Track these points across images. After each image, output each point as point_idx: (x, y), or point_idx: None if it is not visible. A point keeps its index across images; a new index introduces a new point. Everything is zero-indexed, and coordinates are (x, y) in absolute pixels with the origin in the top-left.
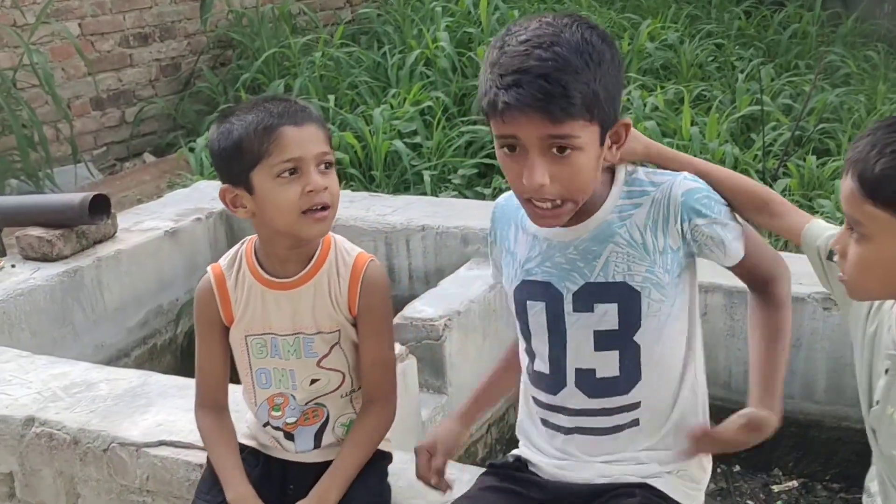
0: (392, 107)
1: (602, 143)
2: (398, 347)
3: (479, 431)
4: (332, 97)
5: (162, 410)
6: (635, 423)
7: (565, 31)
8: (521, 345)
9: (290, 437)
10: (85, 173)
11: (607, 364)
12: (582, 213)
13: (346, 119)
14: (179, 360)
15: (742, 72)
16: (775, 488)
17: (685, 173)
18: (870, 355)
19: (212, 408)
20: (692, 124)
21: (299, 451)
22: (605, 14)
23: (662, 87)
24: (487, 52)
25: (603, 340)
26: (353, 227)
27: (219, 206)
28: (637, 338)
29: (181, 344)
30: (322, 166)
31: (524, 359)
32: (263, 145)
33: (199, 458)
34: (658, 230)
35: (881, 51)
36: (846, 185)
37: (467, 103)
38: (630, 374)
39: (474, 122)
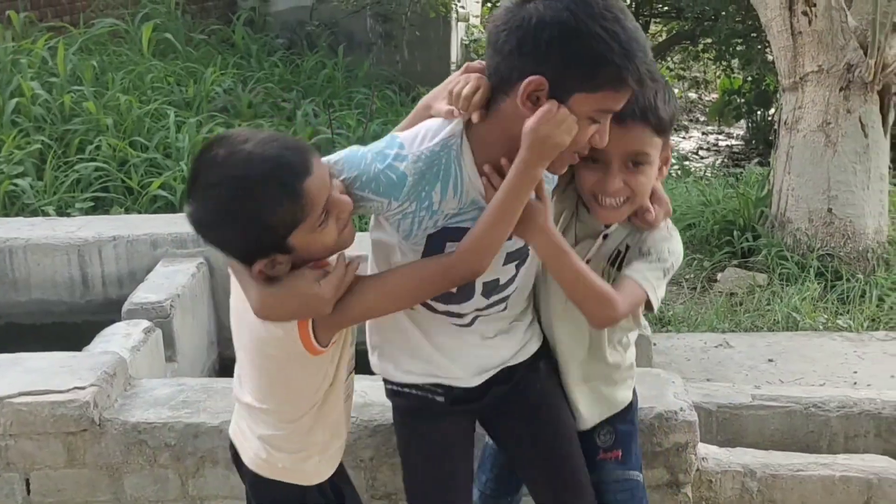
0: None
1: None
2: (144, 324)
3: None
4: None
5: (2, 378)
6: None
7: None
8: None
9: None
10: None
11: (508, 272)
12: None
13: None
14: None
15: (296, 110)
16: None
17: None
18: None
19: None
20: None
21: None
22: (170, 65)
23: (239, 125)
24: (592, 20)
25: (511, 256)
26: (46, 244)
27: None
28: (529, 247)
29: None
30: None
31: None
32: None
33: (62, 398)
34: None
35: (396, 91)
36: (636, 130)
37: (65, 146)
38: (517, 276)
39: (79, 161)
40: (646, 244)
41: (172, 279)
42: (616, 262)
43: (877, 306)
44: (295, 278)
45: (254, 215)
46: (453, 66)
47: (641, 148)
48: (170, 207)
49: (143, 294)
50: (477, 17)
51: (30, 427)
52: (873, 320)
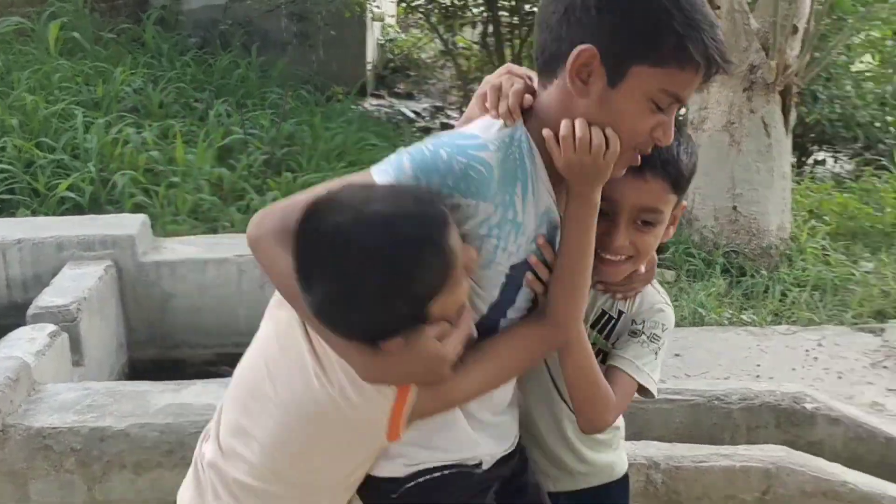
0: None
1: None
2: (49, 328)
3: None
4: None
5: None
6: None
7: None
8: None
9: None
10: None
11: None
12: None
13: None
14: None
15: (208, 110)
16: None
17: None
18: None
19: None
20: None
21: None
22: (78, 64)
23: (150, 126)
24: None
25: None
26: None
27: None
28: None
29: None
30: None
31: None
32: None
33: None
34: None
35: (311, 90)
36: (654, 184)
37: None
38: None
39: None
40: (639, 316)
41: (79, 282)
42: (605, 331)
43: (779, 301)
44: (413, 336)
45: (404, 286)
46: (369, 66)
47: (656, 204)
48: (77, 209)
49: (48, 298)
50: (392, 17)
51: None
52: (776, 315)
